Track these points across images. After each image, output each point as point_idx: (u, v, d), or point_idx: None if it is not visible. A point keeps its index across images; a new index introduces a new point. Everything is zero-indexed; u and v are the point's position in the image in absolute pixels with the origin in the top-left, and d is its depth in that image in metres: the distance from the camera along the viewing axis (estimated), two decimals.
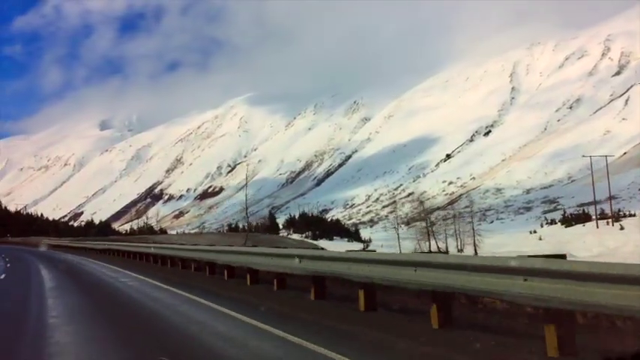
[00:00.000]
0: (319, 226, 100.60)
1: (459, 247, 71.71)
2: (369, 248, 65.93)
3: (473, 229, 79.49)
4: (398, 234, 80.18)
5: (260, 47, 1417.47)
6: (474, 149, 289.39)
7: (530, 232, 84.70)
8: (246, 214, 73.12)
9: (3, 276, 23.57)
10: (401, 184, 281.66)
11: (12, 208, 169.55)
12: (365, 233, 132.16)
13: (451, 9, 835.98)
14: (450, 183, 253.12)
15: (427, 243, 70.79)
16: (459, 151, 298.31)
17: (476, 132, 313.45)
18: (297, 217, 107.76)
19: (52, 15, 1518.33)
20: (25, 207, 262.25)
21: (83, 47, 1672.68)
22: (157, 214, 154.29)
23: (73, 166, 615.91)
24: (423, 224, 77.16)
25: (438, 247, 70.67)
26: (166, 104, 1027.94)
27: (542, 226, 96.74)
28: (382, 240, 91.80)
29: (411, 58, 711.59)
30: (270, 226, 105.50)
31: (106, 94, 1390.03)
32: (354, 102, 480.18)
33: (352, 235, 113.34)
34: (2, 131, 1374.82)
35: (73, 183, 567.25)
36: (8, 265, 31.14)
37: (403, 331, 8.61)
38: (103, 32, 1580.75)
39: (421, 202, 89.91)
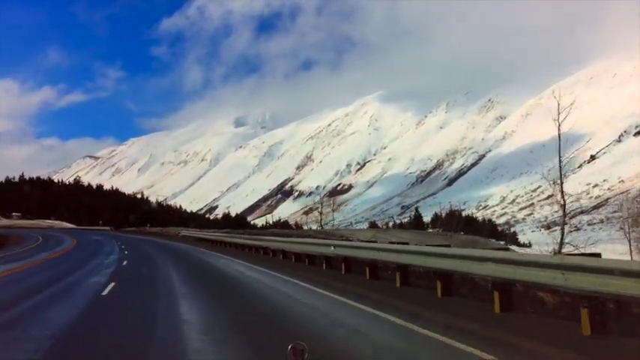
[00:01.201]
0: (470, 226, 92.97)
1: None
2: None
3: (628, 235, 69.52)
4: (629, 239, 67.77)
5: (392, 45, 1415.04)
6: (623, 150, 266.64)
7: None
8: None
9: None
10: (539, 186, 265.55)
11: (153, 200, 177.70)
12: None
13: (596, 2, 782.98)
14: (595, 186, 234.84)
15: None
16: (604, 152, 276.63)
17: (624, 132, 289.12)
18: (443, 215, 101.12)
19: (196, 16, 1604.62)
20: (165, 199, 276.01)
21: (222, 47, 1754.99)
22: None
23: (210, 161, 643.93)
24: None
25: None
26: (298, 102, 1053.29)
27: None
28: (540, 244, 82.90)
29: (551, 54, 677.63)
30: (417, 224, 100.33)
31: (242, 93, 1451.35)
32: (489, 100, 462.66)
33: (505, 237, 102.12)
34: (147, 127, 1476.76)
35: (209, 178, 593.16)
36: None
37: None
38: (241, 32, 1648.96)
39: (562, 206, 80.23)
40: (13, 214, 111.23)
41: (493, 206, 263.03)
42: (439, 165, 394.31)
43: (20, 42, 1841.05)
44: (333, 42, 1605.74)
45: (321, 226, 69.76)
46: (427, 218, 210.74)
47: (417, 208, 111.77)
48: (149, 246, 39.59)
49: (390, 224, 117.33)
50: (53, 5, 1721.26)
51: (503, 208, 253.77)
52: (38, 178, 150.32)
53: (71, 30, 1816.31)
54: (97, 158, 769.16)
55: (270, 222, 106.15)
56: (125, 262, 22.96)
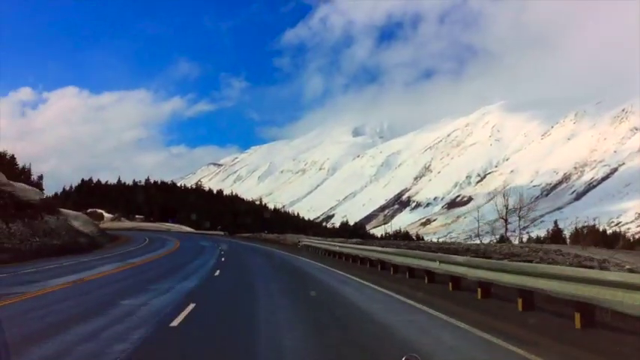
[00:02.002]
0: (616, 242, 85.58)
1: None
2: None
3: None
4: None
5: (517, 53, 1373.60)
6: None
7: None
8: None
9: None
10: None
11: (270, 207, 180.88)
12: None
13: None
14: None
15: None
16: None
17: None
18: (584, 230, 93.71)
19: (318, 26, 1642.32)
20: (283, 207, 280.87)
21: (343, 57, 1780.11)
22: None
23: (327, 170, 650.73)
24: None
25: None
26: (417, 112, 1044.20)
27: None
28: None
29: None
30: (555, 238, 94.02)
31: (361, 102, 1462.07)
32: (622, 110, 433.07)
33: None
34: (268, 136, 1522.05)
35: (326, 186, 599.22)
36: None
37: None
38: (362, 42, 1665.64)
39: None
40: (137, 216, 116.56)
41: (627, 223, 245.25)
42: (566, 178, 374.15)
43: (153, 54, 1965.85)
44: (455, 51, 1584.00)
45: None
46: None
47: (555, 221, 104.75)
48: (258, 259, 30.69)
49: (524, 238, 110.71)
50: (183, 19, 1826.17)
51: (638, 226, 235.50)
52: (162, 182, 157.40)
53: (199, 42, 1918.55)
54: (219, 165, 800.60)
55: (390, 232, 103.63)
56: (192, 307, 11.22)
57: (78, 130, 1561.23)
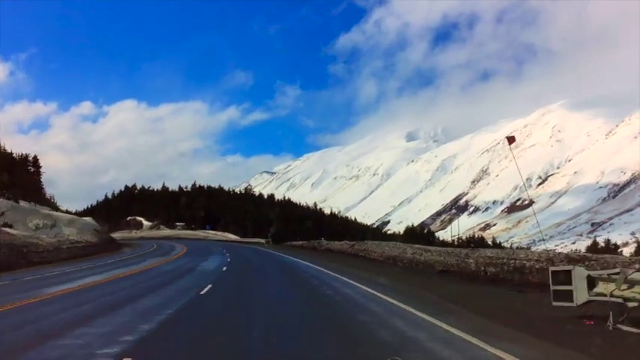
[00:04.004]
0: None
1: None
2: None
3: None
4: None
5: (577, 51, 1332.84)
6: None
7: None
8: None
9: None
10: None
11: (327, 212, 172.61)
12: None
13: None
14: None
15: None
16: None
17: None
18: None
19: (373, 30, 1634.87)
20: (339, 212, 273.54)
21: (398, 60, 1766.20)
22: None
23: (381, 175, 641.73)
24: None
25: None
26: (472, 115, 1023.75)
27: None
28: None
29: None
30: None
31: (415, 106, 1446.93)
32: None
33: None
34: (322, 143, 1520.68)
35: (380, 192, 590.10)
36: None
37: None
38: (417, 44, 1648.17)
39: None
40: (177, 223, 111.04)
41: None
42: (635, 178, 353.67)
43: (209, 65, 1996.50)
44: (513, 51, 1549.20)
45: None
46: (624, 237, 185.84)
47: None
48: None
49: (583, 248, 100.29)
50: (233, 25, 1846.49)
51: None
52: (209, 187, 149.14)
53: (252, 50, 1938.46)
54: (273, 173, 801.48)
55: (462, 237, 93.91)
56: None
57: (136, 142, 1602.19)
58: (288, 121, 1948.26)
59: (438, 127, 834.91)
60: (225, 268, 26.28)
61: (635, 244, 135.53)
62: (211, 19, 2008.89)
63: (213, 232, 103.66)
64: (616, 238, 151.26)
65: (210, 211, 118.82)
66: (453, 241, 76.52)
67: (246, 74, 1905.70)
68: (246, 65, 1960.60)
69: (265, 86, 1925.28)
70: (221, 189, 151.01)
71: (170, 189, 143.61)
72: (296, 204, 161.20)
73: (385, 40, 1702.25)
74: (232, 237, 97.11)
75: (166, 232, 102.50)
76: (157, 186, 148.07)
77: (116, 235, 74.27)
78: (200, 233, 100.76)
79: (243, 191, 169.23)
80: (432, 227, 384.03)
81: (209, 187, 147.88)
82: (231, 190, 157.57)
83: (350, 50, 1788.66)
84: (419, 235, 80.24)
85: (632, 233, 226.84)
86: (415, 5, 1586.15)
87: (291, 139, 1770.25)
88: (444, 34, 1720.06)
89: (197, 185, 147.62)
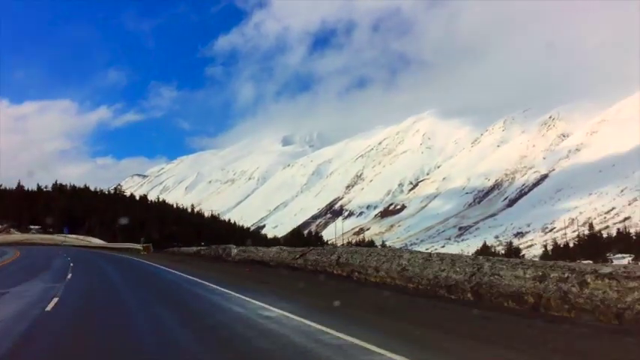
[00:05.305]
0: None
1: None
2: None
3: None
4: None
5: (447, 63, 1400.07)
6: None
7: None
8: None
9: None
10: (613, 208, 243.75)
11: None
12: None
13: None
14: None
15: None
16: None
17: None
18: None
19: (253, 32, 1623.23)
20: (219, 215, 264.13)
21: (276, 64, 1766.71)
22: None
23: (257, 179, 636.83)
24: None
25: None
26: (348, 121, 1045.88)
27: None
28: None
29: (617, 69, 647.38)
30: (592, 247, 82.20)
31: (292, 111, 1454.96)
32: (550, 117, 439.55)
33: None
34: (198, 146, 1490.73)
35: (256, 196, 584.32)
36: None
37: None
38: (296, 49, 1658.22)
39: None
40: (31, 227, 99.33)
41: (562, 228, 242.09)
42: (498, 185, 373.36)
43: (78, 62, 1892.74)
44: (388, 59, 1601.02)
45: None
46: (489, 241, 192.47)
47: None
48: None
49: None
50: (107, 22, 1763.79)
51: (574, 231, 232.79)
52: (73, 186, 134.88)
53: (125, 47, 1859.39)
54: (145, 176, 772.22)
55: (353, 241, 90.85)
56: None
57: None
58: (164, 123, 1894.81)
59: (314, 132, 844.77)
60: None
61: (502, 247, 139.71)
62: (79, 10, 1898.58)
63: (74, 235, 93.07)
64: (480, 242, 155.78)
65: (73, 212, 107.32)
66: (343, 243, 72.62)
67: (119, 73, 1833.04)
68: (118, 63, 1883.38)
69: (139, 86, 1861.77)
70: (87, 189, 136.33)
71: (27, 188, 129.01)
72: (172, 206, 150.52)
73: (265, 43, 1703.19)
74: (97, 242, 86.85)
75: (16, 236, 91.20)
76: (11, 185, 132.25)
77: None
78: (58, 238, 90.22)
79: (112, 192, 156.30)
80: (307, 232, 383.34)
81: (73, 187, 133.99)
82: (98, 190, 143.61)
83: (229, 52, 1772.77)
84: (305, 238, 75.54)
85: (496, 237, 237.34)
86: (296, 9, 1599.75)
87: (166, 141, 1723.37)
88: (323, 40, 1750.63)
89: (58, 184, 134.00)
